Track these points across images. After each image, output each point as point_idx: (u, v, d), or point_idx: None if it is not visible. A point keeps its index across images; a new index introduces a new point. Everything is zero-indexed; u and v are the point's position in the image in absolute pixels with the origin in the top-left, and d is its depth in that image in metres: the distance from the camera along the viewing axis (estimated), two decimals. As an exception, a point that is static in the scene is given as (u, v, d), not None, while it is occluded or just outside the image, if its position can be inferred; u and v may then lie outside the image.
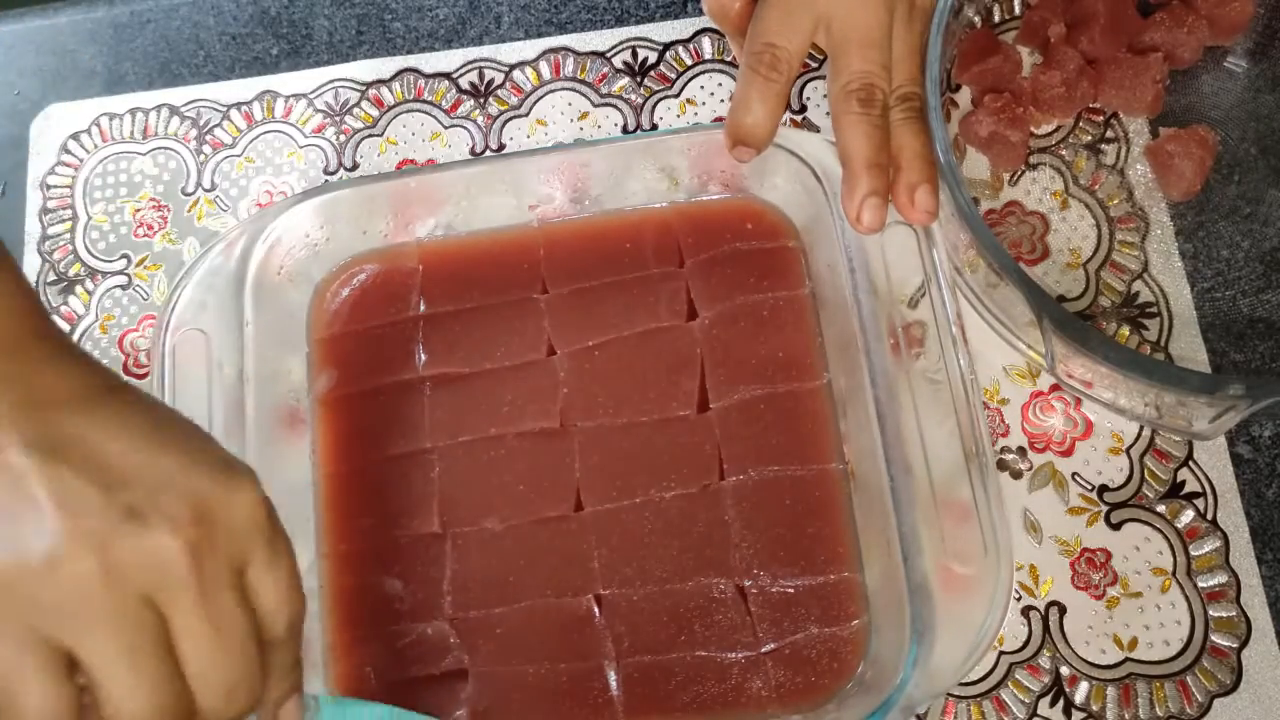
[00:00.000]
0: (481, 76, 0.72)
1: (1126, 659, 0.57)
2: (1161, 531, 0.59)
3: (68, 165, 0.72)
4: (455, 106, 0.71)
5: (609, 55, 0.71)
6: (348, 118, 0.71)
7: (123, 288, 0.69)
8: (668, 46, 0.71)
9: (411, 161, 0.70)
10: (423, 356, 0.63)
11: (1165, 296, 0.62)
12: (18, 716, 0.33)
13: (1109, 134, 0.66)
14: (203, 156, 0.72)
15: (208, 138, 0.72)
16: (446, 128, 0.71)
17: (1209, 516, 0.59)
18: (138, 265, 0.70)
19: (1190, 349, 0.61)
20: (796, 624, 0.56)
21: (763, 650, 0.56)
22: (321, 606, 0.59)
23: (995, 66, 0.64)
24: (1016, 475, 0.60)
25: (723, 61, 0.70)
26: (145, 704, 0.34)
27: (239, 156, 0.71)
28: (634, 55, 0.71)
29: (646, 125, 0.69)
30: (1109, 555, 0.59)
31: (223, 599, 0.36)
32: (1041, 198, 0.65)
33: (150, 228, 0.70)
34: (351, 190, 0.62)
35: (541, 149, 0.67)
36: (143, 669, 0.34)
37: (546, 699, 0.56)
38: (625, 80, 0.70)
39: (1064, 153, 0.66)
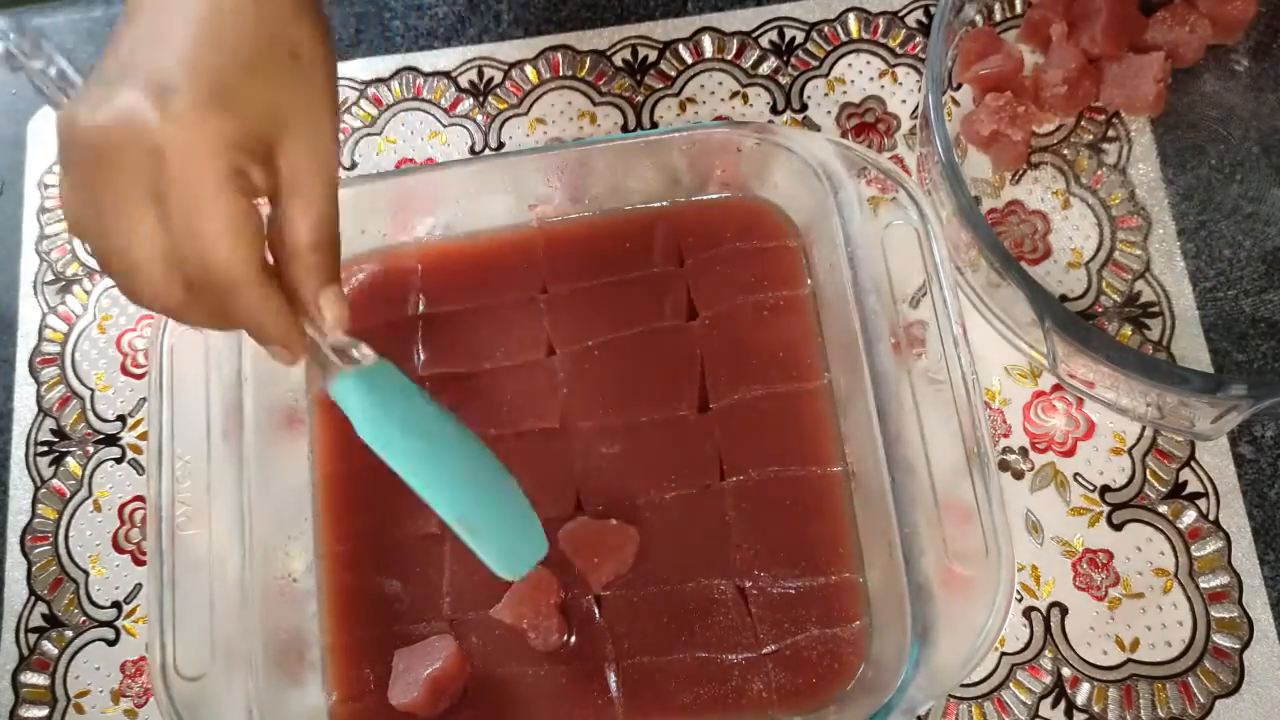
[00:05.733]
0: (481, 75, 0.71)
1: (1128, 660, 0.57)
2: (1163, 532, 0.59)
3: (65, 164, 0.72)
4: (454, 105, 0.71)
5: (609, 54, 0.71)
6: (347, 116, 0.71)
7: (121, 287, 0.69)
8: (668, 45, 0.70)
9: (410, 160, 0.70)
10: (422, 356, 0.62)
11: (1167, 296, 0.62)
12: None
13: (1111, 133, 0.66)
14: (201, 155, 0.71)
15: (206, 136, 0.72)
16: (446, 126, 0.71)
17: (1211, 517, 0.59)
18: (136, 264, 0.69)
19: (1192, 349, 0.61)
20: (797, 625, 0.56)
21: (763, 651, 0.56)
22: (320, 607, 0.59)
23: (996, 65, 0.64)
24: (1018, 476, 0.60)
25: (723, 60, 0.70)
26: (125, 278, 0.39)
27: (237, 155, 0.71)
28: (634, 53, 0.71)
29: (646, 124, 0.69)
30: (1111, 556, 0.58)
31: (212, 208, 0.38)
32: (1043, 197, 0.65)
33: (148, 227, 0.70)
34: (350, 189, 0.61)
35: (541, 148, 0.67)
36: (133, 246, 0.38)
37: (547, 699, 0.56)
38: (625, 79, 0.70)
39: (1066, 152, 0.66)
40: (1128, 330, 0.62)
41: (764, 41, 0.70)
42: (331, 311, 0.44)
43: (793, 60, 0.69)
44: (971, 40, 0.65)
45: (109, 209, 0.38)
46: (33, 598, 0.63)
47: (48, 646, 0.62)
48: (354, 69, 0.72)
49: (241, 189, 0.39)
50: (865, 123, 0.68)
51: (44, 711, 0.61)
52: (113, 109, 0.37)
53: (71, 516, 0.65)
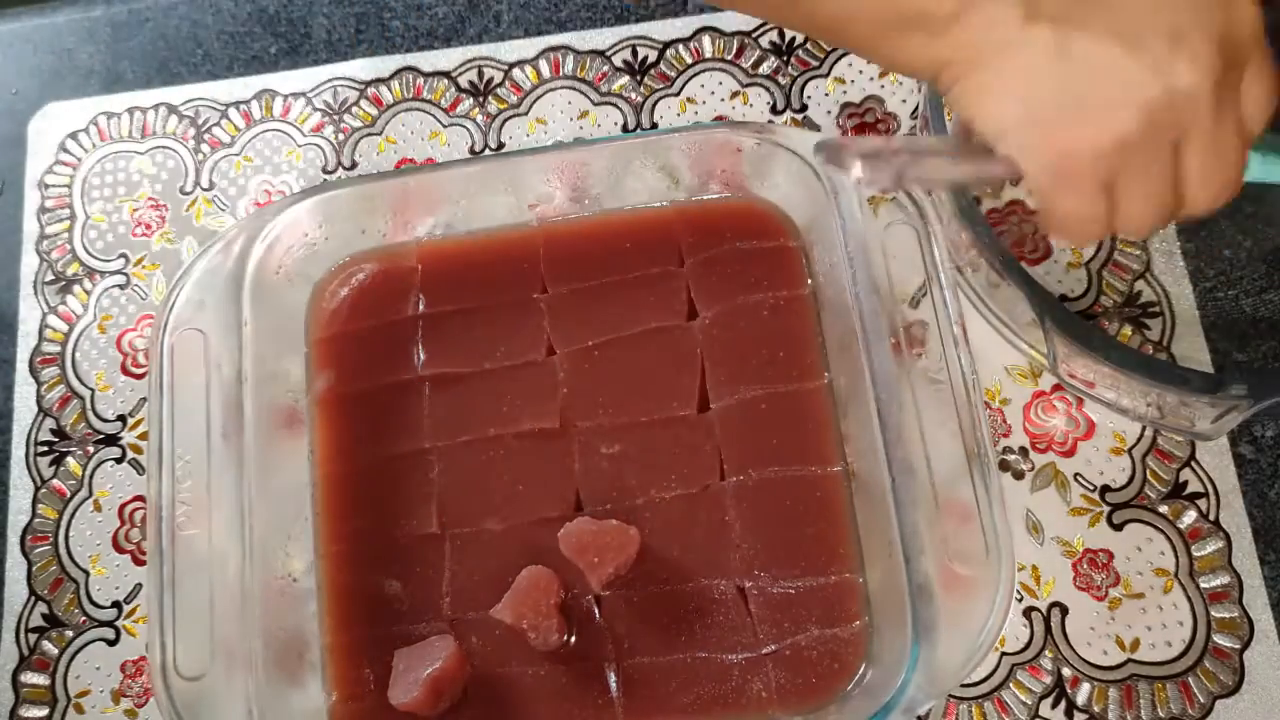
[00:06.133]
0: (481, 75, 0.71)
1: (1128, 660, 0.57)
2: (1164, 532, 0.59)
3: (66, 164, 0.72)
4: (454, 105, 0.71)
5: (609, 54, 0.71)
6: (346, 116, 0.71)
7: (121, 287, 0.69)
8: (668, 45, 0.70)
9: (410, 160, 0.70)
10: (422, 356, 0.62)
11: (1168, 296, 0.62)
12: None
13: (1111, 133, 0.65)
14: (201, 155, 0.71)
15: (206, 136, 0.72)
16: (446, 126, 0.71)
17: (1211, 517, 0.59)
18: (136, 264, 0.69)
19: (1193, 349, 0.61)
20: (797, 625, 0.56)
21: (763, 651, 0.56)
22: (320, 607, 0.59)
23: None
24: (1018, 476, 0.60)
25: (722, 60, 0.70)
26: (1149, 212, 0.42)
27: (237, 155, 0.71)
28: (634, 54, 0.71)
29: (646, 124, 0.69)
30: (1111, 556, 0.58)
31: (1226, 126, 0.40)
32: (1043, 197, 0.65)
33: (148, 227, 0.70)
34: (350, 189, 0.62)
35: (541, 148, 0.67)
36: (1153, 194, 0.42)
37: (547, 699, 0.56)
38: (625, 79, 0.70)
39: (1066, 151, 0.65)
40: (1128, 330, 0.62)
41: (764, 41, 0.70)
42: None
43: (793, 60, 0.69)
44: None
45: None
46: (33, 598, 0.63)
47: (48, 646, 0.62)
48: (354, 69, 0.72)
49: None
50: (865, 123, 0.68)
51: (44, 711, 0.61)
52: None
53: (71, 516, 0.65)
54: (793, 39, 0.70)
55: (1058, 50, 0.39)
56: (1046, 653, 0.57)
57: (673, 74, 0.70)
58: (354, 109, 0.71)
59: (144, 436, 0.65)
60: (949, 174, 0.46)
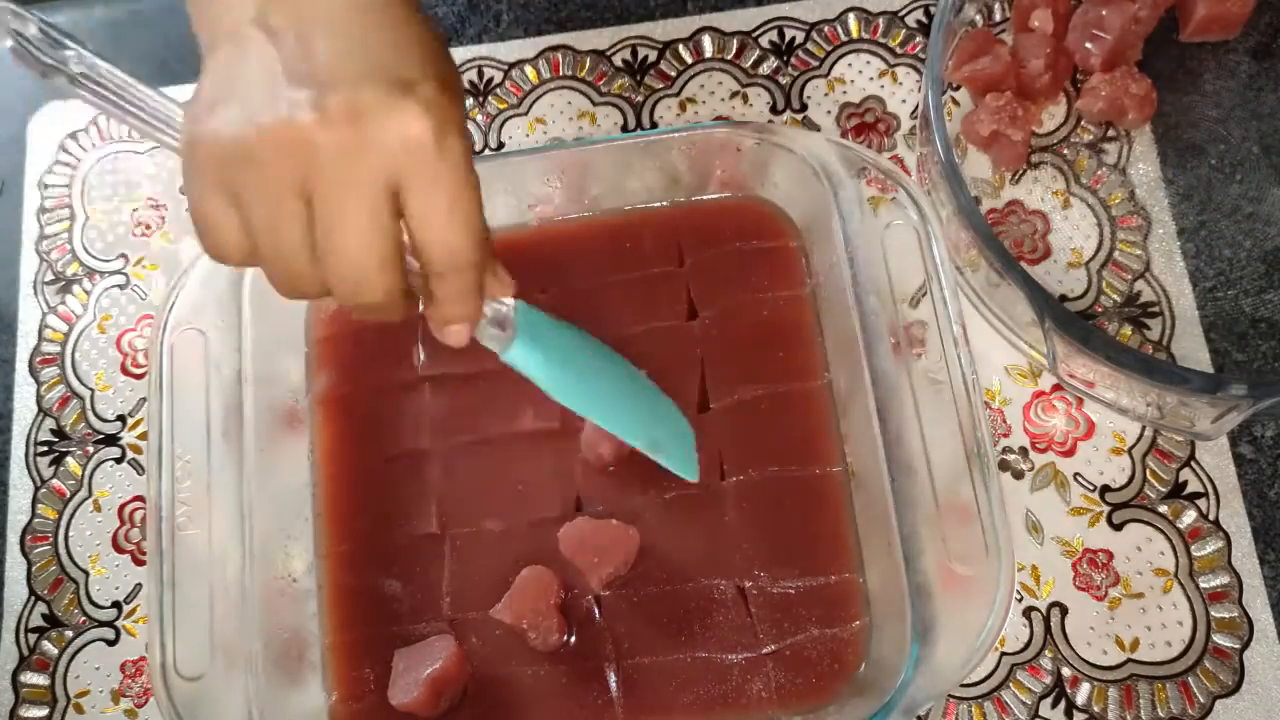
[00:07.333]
0: (481, 75, 0.71)
1: (1128, 660, 0.57)
2: (1163, 532, 0.59)
3: (65, 164, 0.72)
4: (454, 105, 0.71)
5: (609, 54, 0.71)
6: (346, 116, 0.71)
7: (120, 287, 0.69)
8: (667, 45, 0.70)
9: (410, 160, 0.70)
10: (422, 357, 0.62)
11: (1167, 296, 0.62)
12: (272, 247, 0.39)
13: (1111, 133, 0.66)
14: (201, 155, 0.71)
15: (206, 137, 0.72)
16: (446, 126, 0.70)
17: (1211, 517, 0.59)
18: (136, 265, 0.69)
19: (1192, 349, 0.61)
20: (797, 625, 0.56)
21: (763, 651, 0.56)
22: (321, 607, 0.59)
23: (985, 67, 0.64)
24: (1018, 475, 0.60)
25: (723, 60, 0.70)
26: (279, 245, 0.39)
27: (237, 155, 0.71)
28: (634, 54, 0.71)
29: (646, 124, 0.69)
30: (1111, 556, 0.58)
31: (355, 205, 0.38)
32: (1043, 197, 0.65)
33: (148, 227, 0.70)
34: (350, 189, 0.62)
35: (541, 148, 0.67)
36: (277, 231, 0.39)
37: (547, 699, 0.56)
38: (625, 79, 0.70)
39: (1066, 152, 0.66)
40: (1128, 330, 0.62)
41: (764, 41, 0.70)
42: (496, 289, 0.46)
43: (793, 60, 0.69)
44: (968, 41, 0.65)
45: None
46: (33, 598, 0.63)
47: (48, 646, 0.62)
48: (354, 69, 0.72)
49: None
50: (865, 123, 0.68)
51: (44, 711, 0.61)
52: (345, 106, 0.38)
53: (71, 516, 0.65)
54: (793, 38, 0.70)
55: (243, 54, 0.38)
56: (1046, 652, 0.57)
57: (673, 74, 0.70)
58: (354, 109, 0.71)
59: (144, 436, 0.65)
60: (120, 109, 0.43)
